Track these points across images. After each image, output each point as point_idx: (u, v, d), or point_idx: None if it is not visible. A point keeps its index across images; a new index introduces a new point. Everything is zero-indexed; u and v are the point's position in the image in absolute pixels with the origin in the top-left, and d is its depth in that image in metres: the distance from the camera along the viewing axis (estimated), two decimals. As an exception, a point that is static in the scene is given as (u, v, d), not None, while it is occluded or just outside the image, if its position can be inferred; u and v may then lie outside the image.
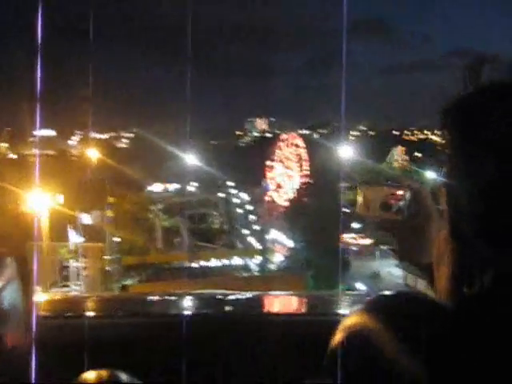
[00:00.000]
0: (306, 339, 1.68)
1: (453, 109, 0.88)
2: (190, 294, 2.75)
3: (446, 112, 0.90)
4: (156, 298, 2.77)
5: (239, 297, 2.76)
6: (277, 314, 2.26)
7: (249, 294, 2.83)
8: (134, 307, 2.45)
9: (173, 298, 2.70)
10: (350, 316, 0.81)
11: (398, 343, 0.68)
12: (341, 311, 2.02)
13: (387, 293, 0.78)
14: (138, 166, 53.86)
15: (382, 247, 51.30)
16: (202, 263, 36.08)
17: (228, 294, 2.70)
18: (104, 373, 1.14)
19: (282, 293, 3.39)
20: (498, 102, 0.82)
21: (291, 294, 3.33)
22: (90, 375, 1.12)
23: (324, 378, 0.82)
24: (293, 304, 2.63)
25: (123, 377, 1.15)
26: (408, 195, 1.52)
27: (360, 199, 1.53)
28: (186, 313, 2.21)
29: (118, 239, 32.45)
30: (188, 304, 2.47)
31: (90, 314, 2.19)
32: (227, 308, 2.48)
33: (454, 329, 0.70)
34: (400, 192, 1.53)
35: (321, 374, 0.83)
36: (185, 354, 1.66)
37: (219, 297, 2.71)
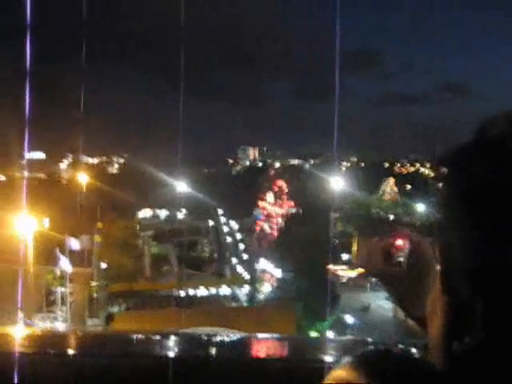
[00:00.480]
0: None
1: (453, 160, 0.83)
2: (176, 334, 2.64)
3: (445, 163, 0.84)
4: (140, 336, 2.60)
5: (225, 338, 2.66)
6: (264, 359, 2.13)
7: (235, 335, 2.89)
8: (118, 346, 2.35)
9: (157, 337, 2.57)
10: (336, 369, 0.79)
11: None
12: (327, 358, 1.92)
13: (376, 349, 0.77)
14: (128, 192, 53.63)
15: (372, 279, 51.34)
16: (190, 292, 35.67)
17: (215, 334, 2.60)
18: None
19: (272, 335, 3.18)
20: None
21: (281, 338, 3.21)
22: None
23: None
24: (280, 348, 2.50)
25: None
26: (408, 246, 1.46)
27: (361, 251, 1.36)
28: (172, 354, 2.13)
29: (106, 265, 32.01)
30: (173, 344, 2.36)
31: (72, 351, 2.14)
32: (212, 350, 2.36)
33: None
34: (400, 243, 1.47)
35: None
36: None
37: (205, 337, 2.62)
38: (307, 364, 1.86)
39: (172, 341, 2.42)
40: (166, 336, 2.56)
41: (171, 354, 2.07)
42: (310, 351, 2.30)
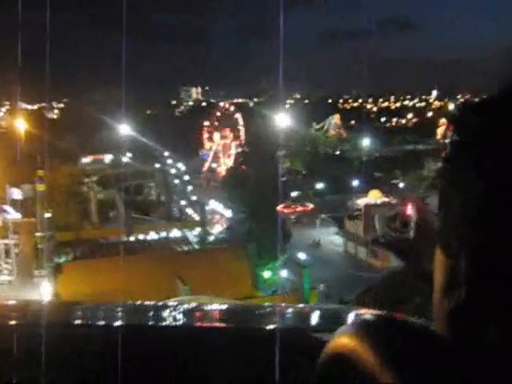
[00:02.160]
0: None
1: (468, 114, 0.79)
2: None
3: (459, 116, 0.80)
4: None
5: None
6: (254, 328, 1.92)
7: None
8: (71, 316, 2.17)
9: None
10: (338, 337, 0.78)
11: (385, 371, 0.66)
12: (321, 327, 1.80)
13: (376, 314, 0.78)
14: (70, 137, 52.19)
15: (322, 216, 51.63)
16: (140, 237, 35.03)
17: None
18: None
19: (259, 304, 2.83)
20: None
21: (268, 306, 2.92)
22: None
23: None
24: (270, 316, 2.19)
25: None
26: (413, 213, 1.54)
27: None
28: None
29: (51, 214, 30.98)
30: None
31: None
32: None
33: (440, 352, 0.68)
34: (403, 210, 1.57)
35: None
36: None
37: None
38: (303, 332, 1.75)
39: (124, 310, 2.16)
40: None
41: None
42: (300, 319, 2.16)
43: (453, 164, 0.77)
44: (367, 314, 0.80)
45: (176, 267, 22.02)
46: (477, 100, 0.76)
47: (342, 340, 0.76)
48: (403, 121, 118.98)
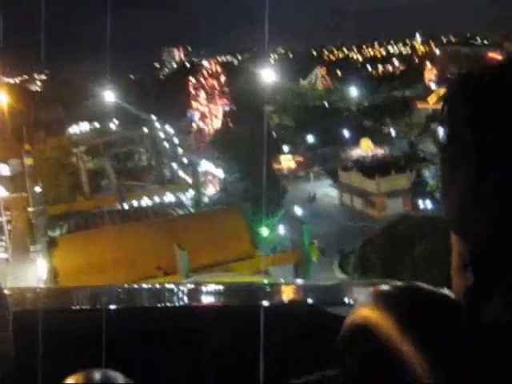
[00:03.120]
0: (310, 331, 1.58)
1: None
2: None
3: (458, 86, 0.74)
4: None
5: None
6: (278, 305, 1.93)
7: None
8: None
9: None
10: (358, 309, 0.78)
11: (410, 343, 0.65)
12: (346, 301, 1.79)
13: (396, 285, 0.78)
14: (54, 109, 51.52)
15: (315, 169, 51.36)
16: (133, 204, 34.62)
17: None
18: (97, 374, 1.05)
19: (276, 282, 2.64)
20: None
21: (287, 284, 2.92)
22: (81, 376, 1.03)
23: (331, 370, 0.83)
24: (294, 293, 2.23)
25: (119, 378, 1.05)
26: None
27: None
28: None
29: (42, 188, 30.48)
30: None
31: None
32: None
33: (468, 329, 0.68)
34: None
35: (328, 366, 0.83)
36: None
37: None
38: (324, 307, 1.72)
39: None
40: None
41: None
42: (316, 295, 2.09)
43: (452, 146, 0.73)
44: (386, 285, 0.77)
45: (172, 232, 21.67)
46: (473, 75, 0.72)
47: (363, 312, 0.75)
48: (390, 68, 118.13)
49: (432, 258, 18.73)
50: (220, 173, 46.22)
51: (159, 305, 2.03)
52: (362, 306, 0.76)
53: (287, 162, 53.46)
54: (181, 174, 46.78)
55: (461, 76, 0.73)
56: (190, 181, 40.55)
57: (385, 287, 0.76)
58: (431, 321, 0.68)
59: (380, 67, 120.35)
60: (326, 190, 46.84)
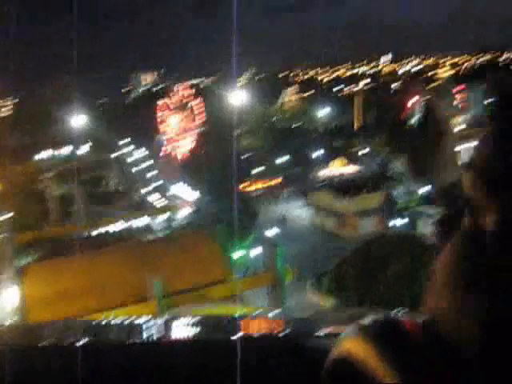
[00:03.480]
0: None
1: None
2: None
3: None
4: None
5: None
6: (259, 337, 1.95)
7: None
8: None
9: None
10: (342, 342, 0.78)
11: (393, 374, 0.68)
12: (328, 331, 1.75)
13: (378, 317, 0.78)
14: (20, 134, 50.84)
15: (287, 189, 51.25)
16: (103, 230, 34.11)
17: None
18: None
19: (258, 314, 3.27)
20: None
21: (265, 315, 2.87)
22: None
23: None
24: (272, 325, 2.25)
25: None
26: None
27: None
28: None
29: (8, 215, 29.86)
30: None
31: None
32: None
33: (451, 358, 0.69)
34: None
35: None
36: None
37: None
38: (305, 340, 1.70)
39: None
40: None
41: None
42: (300, 326, 2.11)
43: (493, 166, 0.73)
44: (367, 318, 0.77)
45: (144, 258, 21.31)
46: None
47: (345, 345, 0.76)
48: (357, 88, 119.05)
49: (406, 276, 18.67)
50: (191, 196, 45.89)
51: (129, 340, 1.97)
52: (346, 340, 0.76)
53: (258, 183, 53.34)
54: (151, 198, 46.39)
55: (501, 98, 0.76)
56: (160, 205, 40.18)
57: (366, 320, 0.76)
58: (408, 350, 0.69)
59: (347, 88, 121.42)
60: (297, 211, 46.75)
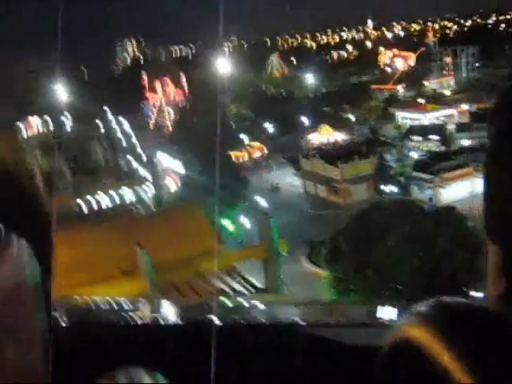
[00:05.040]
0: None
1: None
2: None
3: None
4: None
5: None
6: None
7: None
8: None
9: None
10: (400, 327, 0.79)
11: (452, 360, 0.68)
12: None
13: (441, 302, 0.80)
14: (4, 106, 49.84)
15: (277, 157, 50.51)
16: (94, 203, 33.38)
17: None
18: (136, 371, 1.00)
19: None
20: None
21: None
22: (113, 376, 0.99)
23: None
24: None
25: (159, 377, 1.01)
26: None
27: None
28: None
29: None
30: None
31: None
32: None
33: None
34: None
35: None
36: None
37: None
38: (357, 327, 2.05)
39: None
40: None
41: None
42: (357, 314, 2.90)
43: (497, 155, 0.76)
44: (424, 304, 0.76)
45: (134, 232, 20.67)
46: None
47: (406, 332, 0.76)
48: (344, 54, 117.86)
49: (407, 245, 18.08)
50: (179, 167, 45.10)
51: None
52: (406, 327, 0.77)
53: (247, 152, 52.63)
54: (139, 168, 45.62)
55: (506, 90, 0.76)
56: (148, 176, 39.42)
57: (424, 307, 0.77)
58: (470, 334, 0.70)
59: (335, 53, 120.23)
60: (288, 179, 46.08)
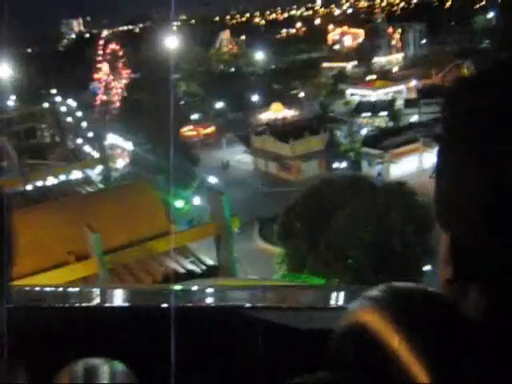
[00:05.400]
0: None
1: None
2: None
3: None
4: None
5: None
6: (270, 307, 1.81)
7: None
8: None
9: None
10: (354, 310, 0.79)
11: (404, 344, 0.69)
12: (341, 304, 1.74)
13: (393, 287, 0.81)
14: None
15: (228, 134, 50.28)
16: (39, 184, 32.60)
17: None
18: (95, 361, 1.04)
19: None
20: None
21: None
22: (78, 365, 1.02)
23: (324, 372, 0.82)
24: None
25: (118, 366, 1.05)
26: None
27: None
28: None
29: None
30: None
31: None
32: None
33: (466, 330, 0.70)
34: None
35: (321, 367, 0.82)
36: None
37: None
38: (318, 310, 1.70)
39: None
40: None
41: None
42: (312, 298, 2.01)
43: (448, 143, 0.75)
44: (376, 288, 0.77)
45: (82, 213, 20.17)
46: (472, 76, 0.74)
47: (357, 317, 0.76)
48: (293, 31, 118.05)
49: (358, 220, 18.17)
50: (128, 145, 44.49)
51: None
52: (358, 311, 0.77)
53: (197, 130, 52.18)
54: (87, 148, 44.83)
55: (460, 79, 0.75)
56: (97, 155, 38.72)
57: (377, 291, 0.78)
58: (420, 319, 0.71)
59: (284, 31, 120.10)
60: (239, 157, 45.92)
